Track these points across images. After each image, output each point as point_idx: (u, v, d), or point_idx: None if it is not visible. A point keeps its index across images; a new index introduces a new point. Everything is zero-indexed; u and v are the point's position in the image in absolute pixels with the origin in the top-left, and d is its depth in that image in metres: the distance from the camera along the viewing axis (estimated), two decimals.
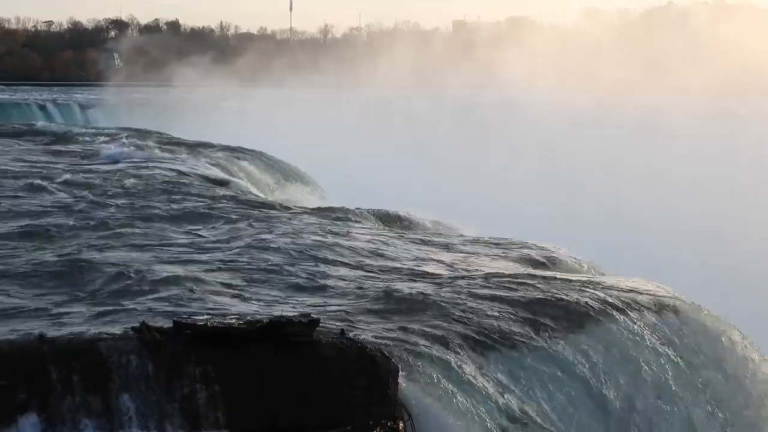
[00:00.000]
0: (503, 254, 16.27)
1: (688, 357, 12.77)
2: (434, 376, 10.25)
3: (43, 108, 66.10)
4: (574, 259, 16.89)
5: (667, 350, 12.63)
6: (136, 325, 9.81)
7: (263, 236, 16.25)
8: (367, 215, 20.24)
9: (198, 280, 12.72)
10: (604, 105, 65.54)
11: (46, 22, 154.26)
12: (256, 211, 19.25)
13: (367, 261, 14.83)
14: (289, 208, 20.41)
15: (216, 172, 27.08)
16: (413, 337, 10.92)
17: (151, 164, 26.82)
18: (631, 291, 13.73)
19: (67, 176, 23.35)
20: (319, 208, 21.08)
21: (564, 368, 11.46)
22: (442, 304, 12.29)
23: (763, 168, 51.42)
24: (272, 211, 19.46)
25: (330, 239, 16.34)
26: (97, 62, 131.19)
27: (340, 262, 14.62)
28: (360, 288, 12.96)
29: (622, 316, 12.77)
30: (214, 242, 15.73)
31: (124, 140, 32.88)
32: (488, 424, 10.11)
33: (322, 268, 14.06)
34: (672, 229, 38.95)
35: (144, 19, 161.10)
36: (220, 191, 22.58)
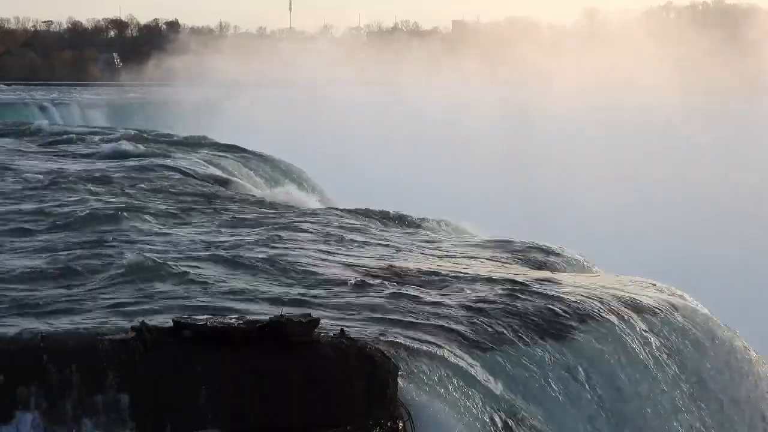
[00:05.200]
0: (505, 255, 16.25)
1: (690, 359, 12.75)
2: (434, 376, 10.24)
3: (42, 108, 66.08)
4: (576, 259, 16.87)
5: (669, 352, 12.60)
6: (136, 324, 9.79)
7: (263, 236, 16.23)
8: (368, 215, 20.20)
9: (198, 278, 12.70)
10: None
11: (45, 21, 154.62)
12: (256, 211, 19.24)
13: (368, 261, 14.81)
14: (290, 208, 20.40)
15: (216, 172, 27.08)
16: (413, 337, 10.90)
17: (151, 164, 26.82)
18: (633, 291, 13.72)
19: (67, 176, 23.34)
20: (320, 209, 21.07)
21: (564, 369, 11.45)
22: (443, 304, 12.28)
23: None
24: (272, 211, 19.45)
25: (330, 239, 16.33)
26: (97, 62, 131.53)
27: (341, 261, 14.60)
28: (360, 288, 12.93)
29: (624, 317, 12.76)
30: (213, 241, 15.70)
31: (124, 140, 32.86)
32: (488, 424, 10.08)
33: (322, 267, 14.04)
34: (675, 229, 39.11)
35: (143, 19, 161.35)
36: (220, 190, 22.59)
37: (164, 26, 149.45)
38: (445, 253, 16.15)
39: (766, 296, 31.36)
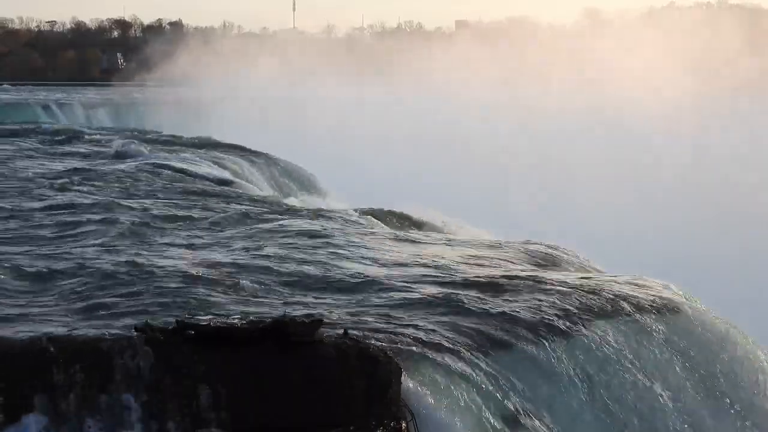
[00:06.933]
0: (507, 254, 16.29)
1: (693, 360, 12.76)
2: (437, 376, 10.28)
3: (46, 108, 66.12)
4: (578, 258, 16.91)
5: (672, 353, 12.61)
6: (140, 324, 9.88)
7: (267, 236, 16.30)
8: (371, 215, 20.26)
9: (201, 279, 12.78)
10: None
11: (49, 22, 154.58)
12: (259, 211, 19.30)
13: (370, 261, 14.86)
14: (293, 208, 20.46)
15: (220, 172, 27.17)
16: (416, 337, 10.95)
17: (154, 164, 26.91)
18: (635, 291, 13.71)
19: (71, 176, 23.45)
20: (323, 209, 21.12)
21: (566, 369, 11.47)
22: (445, 304, 12.32)
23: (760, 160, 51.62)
24: (276, 211, 19.50)
25: (333, 239, 16.38)
26: (100, 62, 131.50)
27: (343, 262, 14.66)
28: (363, 288, 12.99)
29: (626, 317, 12.74)
30: (217, 241, 15.78)
31: (127, 140, 32.97)
32: (491, 425, 10.14)
33: (325, 268, 14.08)
34: (676, 227, 39.11)
35: (147, 19, 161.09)
36: (224, 191, 22.65)
37: (168, 26, 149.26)
38: (448, 252, 16.19)
39: (766, 296, 31.31)
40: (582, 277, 14.73)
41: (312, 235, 16.62)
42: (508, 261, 15.81)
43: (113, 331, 9.98)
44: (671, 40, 78.95)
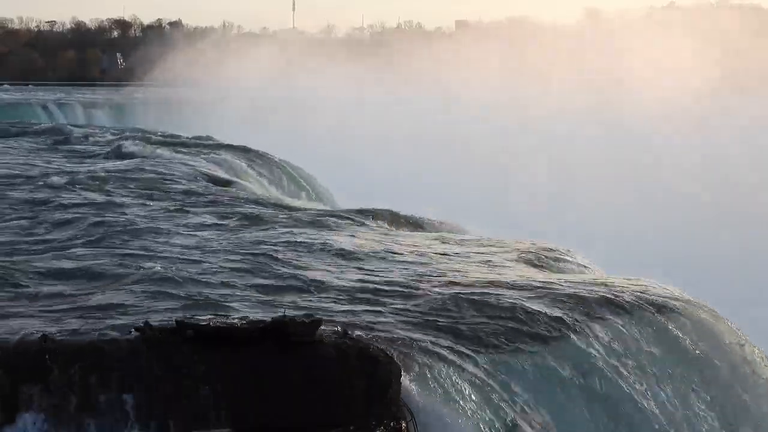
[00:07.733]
0: (507, 254, 16.29)
1: (693, 362, 12.77)
2: (437, 376, 10.29)
3: (45, 108, 66.24)
4: (579, 259, 16.90)
5: (672, 354, 12.62)
6: (139, 324, 9.88)
7: (266, 237, 16.30)
8: (370, 215, 20.25)
9: (201, 279, 12.79)
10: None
11: (48, 22, 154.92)
12: (259, 212, 19.30)
13: (370, 261, 14.87)
14: (294, 209, 20.46)
15: (220, 172, 27.17)
16: (416, 338, 10.96)
17: (153, 164, 26.91)
18: (635, 291, 13.72)
19: (70, 176, 23.45)
20: (324, 210, 21.12)
21: (567, 370, 11.47)
22: (445, 304, 12.32)
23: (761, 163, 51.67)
24: (276, 212, 19.50)
25: (333, 240, 16.39)
26: (100, 62, 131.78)
27: (344, 262, 14.67)
28: (362, 288, 12.99)
29: (626, 318, 12.76)
30: (216, 242, 15.78)
31: (127, 140, 32.98)
32: (491, 425, 10.15)
33: (326, 268, 14.10)
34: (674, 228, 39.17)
35: (147, 19, 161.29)
36: (224, 191, 22.65)
37: (167, 26, 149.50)
38: (448, 253, 16.20)
39: (766, 296, 31.34)
40: (582, 278, 14.74)
41: (312, 235, 16.63)
42: (508, 261, 15.80)
43: (113, 332, 9.98)
44: (671, 40, 78.94)
